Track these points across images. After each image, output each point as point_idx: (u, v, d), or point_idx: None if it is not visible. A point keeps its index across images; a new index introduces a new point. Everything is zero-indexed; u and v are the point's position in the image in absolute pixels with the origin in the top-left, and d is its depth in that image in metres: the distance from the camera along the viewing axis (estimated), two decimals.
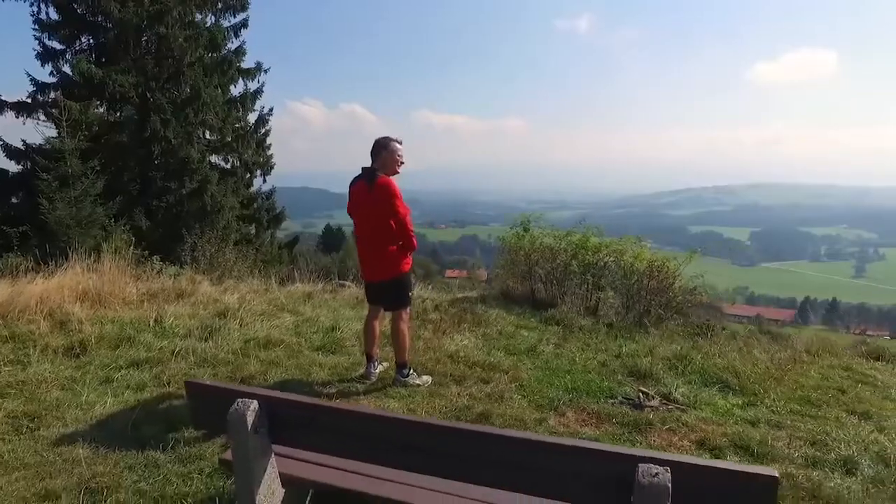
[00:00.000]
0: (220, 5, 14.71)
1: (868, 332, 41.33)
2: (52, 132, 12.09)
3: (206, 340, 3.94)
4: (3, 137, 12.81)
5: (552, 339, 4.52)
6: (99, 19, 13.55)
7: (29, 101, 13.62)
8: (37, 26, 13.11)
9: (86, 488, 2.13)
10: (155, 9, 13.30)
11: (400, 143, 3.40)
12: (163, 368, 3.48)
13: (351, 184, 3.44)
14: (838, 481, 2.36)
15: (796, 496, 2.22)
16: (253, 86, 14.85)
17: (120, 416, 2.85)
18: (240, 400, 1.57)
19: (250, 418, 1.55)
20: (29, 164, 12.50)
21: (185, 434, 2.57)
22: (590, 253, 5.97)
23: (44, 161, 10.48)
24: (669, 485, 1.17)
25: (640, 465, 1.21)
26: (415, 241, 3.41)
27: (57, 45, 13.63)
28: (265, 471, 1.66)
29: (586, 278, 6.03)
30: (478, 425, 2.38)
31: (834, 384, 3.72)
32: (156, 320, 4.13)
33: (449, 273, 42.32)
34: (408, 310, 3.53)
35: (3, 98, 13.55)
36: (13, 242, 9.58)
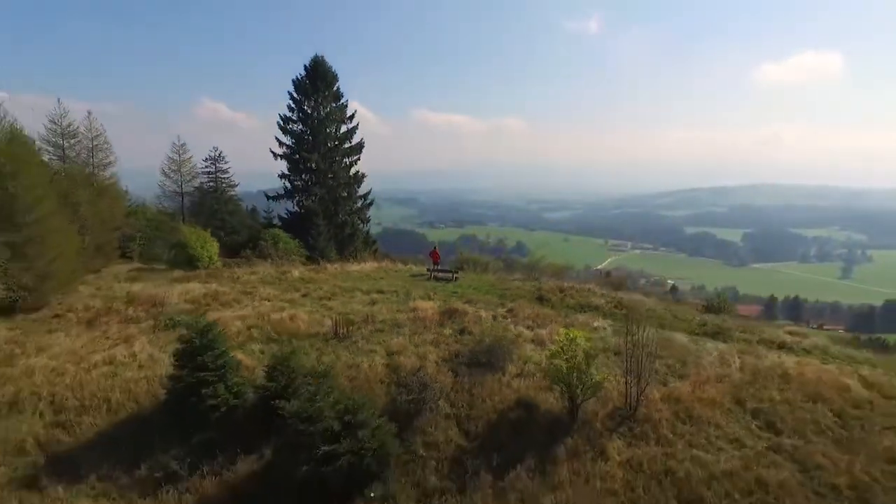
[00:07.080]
0: (351, 151, 37.68)
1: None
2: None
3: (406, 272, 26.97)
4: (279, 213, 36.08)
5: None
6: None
7: (275, 195, 36.77)
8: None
9: (396, 287, 24.61)
10: (327, 165, 36.36)
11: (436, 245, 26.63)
12: (408, 269, 26.50)
13: (433, 249, 26.43)
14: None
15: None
16: (364, 189, 37.96)
17: (400, 278, 25.44)
18: (433, 266, 24.74)
19: (429, 265, 24.65)
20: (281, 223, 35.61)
21: (416, 278, 25.22)
22: (473, 257, 28.98)
23: (312, 223, 33.44)
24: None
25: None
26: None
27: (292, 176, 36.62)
28: (433, 272, 24.67)
29: (479, 264, 28.95)
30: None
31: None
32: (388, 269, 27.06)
33: None
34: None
35: (268, 194, 36.97)
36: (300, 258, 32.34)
